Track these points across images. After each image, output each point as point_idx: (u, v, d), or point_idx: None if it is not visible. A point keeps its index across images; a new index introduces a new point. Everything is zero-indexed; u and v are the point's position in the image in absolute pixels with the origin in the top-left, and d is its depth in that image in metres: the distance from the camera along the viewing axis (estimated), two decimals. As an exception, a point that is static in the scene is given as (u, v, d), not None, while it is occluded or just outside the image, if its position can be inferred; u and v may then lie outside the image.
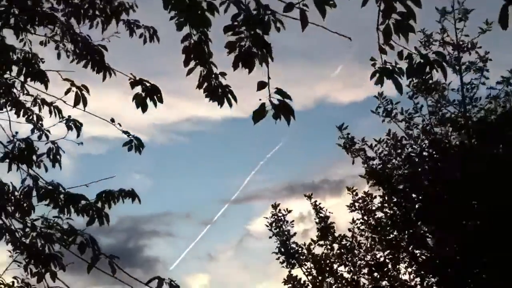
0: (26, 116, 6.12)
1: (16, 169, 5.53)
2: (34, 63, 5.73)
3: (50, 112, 6.02)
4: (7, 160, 5.47)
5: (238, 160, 24.15)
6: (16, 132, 5.70)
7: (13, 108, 6.07)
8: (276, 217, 13.83)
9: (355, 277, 13.09)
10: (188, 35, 4.44)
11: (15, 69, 5.75)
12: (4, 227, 5.23)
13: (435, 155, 11.91)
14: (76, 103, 5.26)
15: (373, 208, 13.09)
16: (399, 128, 12.74)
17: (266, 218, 13.89)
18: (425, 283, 12.31)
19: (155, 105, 5.04)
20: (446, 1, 12.59)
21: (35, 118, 6.09)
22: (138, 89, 5.00)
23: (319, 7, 3.43)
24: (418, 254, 12.45)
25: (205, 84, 4.64)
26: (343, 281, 13.11)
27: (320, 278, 13.18)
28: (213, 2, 4.01)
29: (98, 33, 5.80)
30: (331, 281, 13.16)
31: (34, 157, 5.67)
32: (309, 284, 13.24)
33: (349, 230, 13.44)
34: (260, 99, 3.57)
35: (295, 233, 13.78)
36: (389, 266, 12.81)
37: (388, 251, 12.78)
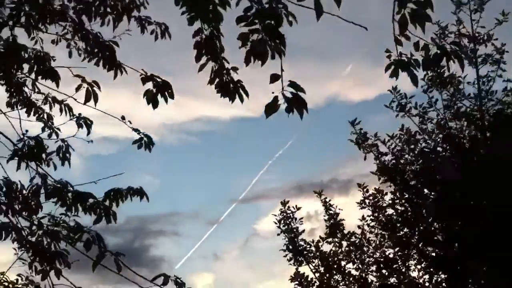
0: (36, 115, 6.09)
1: (25, 167, 5.48)
2: (45, 61, 5.69)
3: (61, 110, 5.98)
4: (16, 158, 5.42)
5: (247, 159, 24.14)
6: (26, 130, 5.67)
7: (24, 107, 6.05)
8: (285, 214, 13.75)
9: (363, 274, 13.01)
10: (199, 30, 4.39)
11: (26, 67, 5.72)
12: (11, 226, 5.17)
13: (448, 151, 11.74)
14: (87, 100, 5.22)
15: (384, 205, 12.98)
16: (412, 123, 12.56)
17: (275, 215, 13.85)
18: (433, 281, 12.18)
19: (166, 101, 4.99)
20: (461, -9, 12.37)
21: (45, 117, 6.06)
22: (149, 85, 4.95)
23: (334, -6, 3.36)
24: (427, 252, 12.30)
25: (217, 80, 4.57)
26: (350, 279, 13.04)
27: (327, 275, 13.11)
28: (224, -5, 3.95)
29: (110, 31, 5.77)
30: (339, 279, 13.09)
31: (44, 155, 5.62)
32: (316, 282, 13.17)
33: (359, 227, 13.39)
34: (273, 92, 3.49)
35: (303, 230, 13.74)
36: (398, 263, 12.70)
37: (398, 248, 12.66)
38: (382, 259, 12.86)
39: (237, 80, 4.53)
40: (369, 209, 13.18)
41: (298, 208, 13.78)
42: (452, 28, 12.43)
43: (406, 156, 12.44)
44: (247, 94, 4.52)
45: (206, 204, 23.62)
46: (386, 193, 12.95)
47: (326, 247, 13.44)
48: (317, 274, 13.24)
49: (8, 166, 5.42)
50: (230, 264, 21.28)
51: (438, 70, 11.96)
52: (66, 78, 5.74)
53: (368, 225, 13.24)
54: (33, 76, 5.79)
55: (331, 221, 13.51)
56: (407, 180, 12.26)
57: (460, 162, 11.40)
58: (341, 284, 13.09)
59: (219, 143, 24.23)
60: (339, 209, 13.65)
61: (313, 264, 13.35)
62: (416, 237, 12.34)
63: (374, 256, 13.05)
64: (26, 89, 6.01)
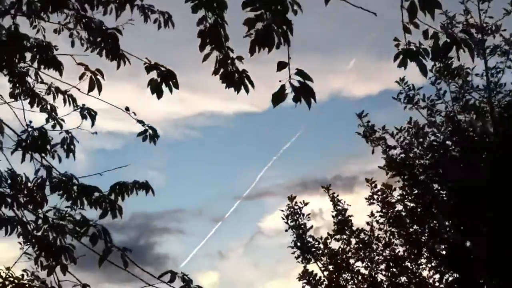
0: (40, 106, 6.01)
1: (29, 159, 5.42)
2: (48, 50, 5.60)
3: (64, 101, 5.91)
4: (20, 149, 5.35)
5: (251, 155, 24.09)
6: (30, 121, 5.59)
7: (27, 98, 5.97)
8: (292, 209, 13.58)
9: (373, 273, 12.84)
10: (203, 17, 4.30)
11: (28, 56, 5.63)
12: (16, 220, 5.11)
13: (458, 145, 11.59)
14: (90, 88, 5.13)
15: (393, 200, 12.80)
16: (420, 116, 12.38)
17: (282, 210, 13.68)
18: (444, 280, 12.03)
19: (171, 90, 4.89)
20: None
21: (49, 107, 5.99)
22: (153, 74, 4.86)
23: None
24: (438, 250, 12.14)
25: (221, 70, 4.47)
26: (359, 277, 12.87)
27: (336, 274, 12.93)
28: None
29: (112, 20, 5.66)
30: (348, 277, 12.92)
31: (48, 147, 5.55)
32: (325, 280, 12.99)
33: (367, 223, 13.22)
34: (280, 81, 3.38)
35: (311, 226, 13.58)
36: (408, 261, 12.53)
37: (407, 246, 12.49)
38: (391, 257, 12.69)
39: (242, 70, 4.44)
40: (378, 205, 12.99)
41: (306, 204, 13.63)
42: (460, 18, 12.27)
43: (415, 149, 12.26)
44: (252, 85, 4.42)
45: (210, 201, 23.59)
46: (395, 189, 12.77)
47: (334, 245, 13.34)
48: (325, 273, 13.07)
49: (13, 159, 5.36)
50: (234, 263, 21.28)
51: (446, 62, 11.78)
52: (69, 69, 5.67)
53: (377, 221, 13.06)
54: (35, 65, 5.71)
55: (339, 217, 13.34)
56: (416, 174, 12.10)
57: (470, 158, 11.20)
58: (350, 283, 12.92)
59: (223, 139, 24.20)
60: (348, 204, 13.51)
61: (321, 262, 13.19)
62: (426, 235, 12.19)
63: (384, 254, 12.88)
64: (29, 79, 5.94)
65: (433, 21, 3.29)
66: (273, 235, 20.31)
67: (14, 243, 5.37)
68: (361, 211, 13.37)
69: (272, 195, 23.46)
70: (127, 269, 4.50)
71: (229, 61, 4.44)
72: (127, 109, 5.55)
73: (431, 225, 12.04)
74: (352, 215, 13.37)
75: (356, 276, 12.90)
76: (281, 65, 3.39)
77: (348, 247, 13.12)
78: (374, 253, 12.93)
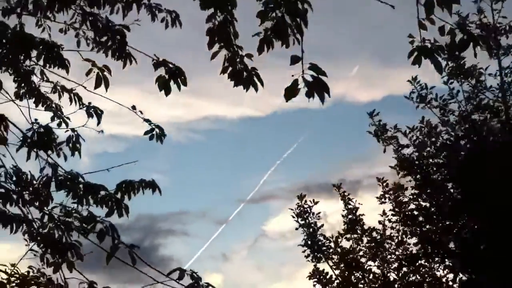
0: (45, 106, 5.96)
1: (35, 157, 5.37)
2: (54, 47, 5.55)
3: (70, 100, 5.86)
4: (25, 146, 5.29)
5: (255, 159, 24.07)
6: (36, 119, 5.54)
7: (32, 98, 5.92)
8: (302, 208, 13.48)
9: (385, 272, 12.72)
10: (212, 15, 4.23)
11: (34, 53, 5.58)
12: (22, 217, 5.06)
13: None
14: (97, 85, 5.09)
15: (405, 199, 12.67)
16: (432, 116, 12.22)
17: (292, 209, 13.57)
18: (457, 280, 11.88)
19: (179, 88, 4.83)
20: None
21: (54, 106, 5.94)
22: (161, 71, 4.81)
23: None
24: (452, 249, 11.97)
25: (230, 68, 4.40)
26: (371, 276, 12.76)
27: (347, 273, 12.82)
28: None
29: (119, 20, 5.61)
30: (359, 276, 12.81)
31: (53, 145, 5.50)
32: (338, 279, 12.88)
33: (379, 222, 13.11)
34: (292, 75, 3.33)
35: (322, 225, 13.46)
36: (422, 260, 12.39)
37: (420, 245, 12.34)
38: (404, 256, 12.58)
39: (251, 67, 4.33)
40: (391, 204, 12.85)
41: (316, 203, 13.51)
42: (473, 18, 12.10)
43: (428, 149, 12.11)
44: (262, 83, 4.31)
45: (214, 204, 23.61)
46: (406, 188, 12.64)
47: (345, 244, 13.23)
48: (337, 272, 12.97)
49: (18, 156, 5.32)
50: (238, 265, 21.22)
51: (459, 62, 11.69)
52: (75, 68, 5.63)
53: (389, 220, 12.95)
54: (41, 63, 5.65)
55: (349, 216, 13.24)
56: (429, 173, 11.98)
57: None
58: (361, 282, 12.81)
59: (226, 143, 24.21)
60: (359, 203, 13.40)
61: (332, 261, 13.10)
62: (439, 234, 12.01)
63: (396, 253, 12.77)
64: (34, 78, 5.89)
65: (450, 17, 3.26)
66: (277, 238, 20.30)
67: (18, 244, 5.31)
68: (367, 214, 13.35)
69: (275, 199, 23.54)
70: (135, 266, 4.45)
71: (238, 59, 4.36)
72: (133, 107, 5.51)
73: (445, 224, 11.91)
74: (363, 214, 13.30)
75: (367, 275, 12.80)
76: (295, 59, 3.33)
77: (358, 247, 13.03)
78: (387, 252, 12.83)
